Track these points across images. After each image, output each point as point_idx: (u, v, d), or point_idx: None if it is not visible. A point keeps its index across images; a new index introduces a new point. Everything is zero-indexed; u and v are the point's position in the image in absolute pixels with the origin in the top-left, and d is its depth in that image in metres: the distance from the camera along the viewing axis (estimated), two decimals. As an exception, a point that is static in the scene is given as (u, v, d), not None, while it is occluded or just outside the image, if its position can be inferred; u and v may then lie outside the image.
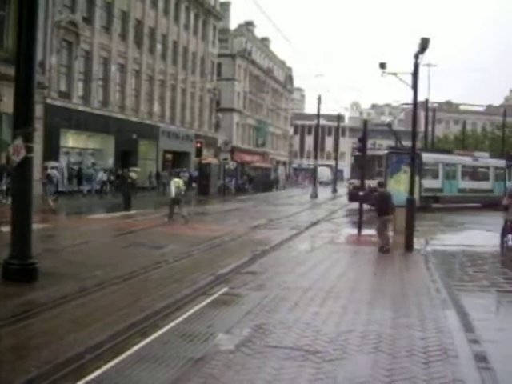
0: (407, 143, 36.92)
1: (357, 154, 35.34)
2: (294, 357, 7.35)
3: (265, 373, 6.80)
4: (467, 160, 43.08)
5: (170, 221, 23.61)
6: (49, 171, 29.87)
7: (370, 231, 20.04)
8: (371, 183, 28.75)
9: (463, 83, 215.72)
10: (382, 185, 18.89)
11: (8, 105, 13.77)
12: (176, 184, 24.80)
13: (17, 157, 11.29)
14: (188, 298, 10.48)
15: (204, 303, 10.09)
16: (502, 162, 45.57)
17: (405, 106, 46.63)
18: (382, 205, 17.64)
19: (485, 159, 44.71)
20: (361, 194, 22.88)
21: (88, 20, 39.80)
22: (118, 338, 7.95)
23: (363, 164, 23.67)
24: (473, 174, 43.03)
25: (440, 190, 38.96)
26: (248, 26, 75.69)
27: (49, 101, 34.90)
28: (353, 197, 34.36)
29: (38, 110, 28.43)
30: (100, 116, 40.91)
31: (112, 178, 39.82)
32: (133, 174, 34.25)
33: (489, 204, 38.56)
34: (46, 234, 18.75)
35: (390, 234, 18.36)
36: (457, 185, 40.90)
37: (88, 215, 26.09)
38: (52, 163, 32.70)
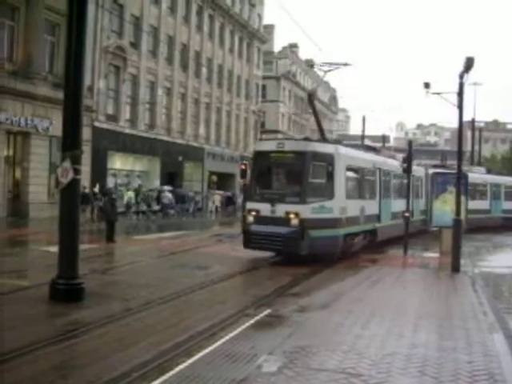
0: (453, 163, 35.07)
1: (258, 149, 20.48)
2: (336, 379, 7.28)
3: (307, 395, 6.75)
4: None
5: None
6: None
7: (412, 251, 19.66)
8: (281, 208, 18.05)
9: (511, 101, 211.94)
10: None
11: (57, 128, 14.17)
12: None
13: (65, 179, 11.54)
14: (231, 319, 10.50)
15: (247, 324, 10.09)
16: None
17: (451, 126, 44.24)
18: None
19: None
20: (407, 214, 22.51)
21: (135, 45, 40.64)
22: (162, 358, 8.01)
23: (409, 183, 23.31)
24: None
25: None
26: (292, 48, 76.13)
27: (97, 124, 35.64)
28: (254, 238, 18.52)
29: (86, 133, 29.12)
30: (146, 138, 41.55)
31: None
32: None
33: None
34: (93, 254, 19.03)
35: None
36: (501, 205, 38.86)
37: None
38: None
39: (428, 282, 16.37)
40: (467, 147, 60.06)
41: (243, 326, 9.91)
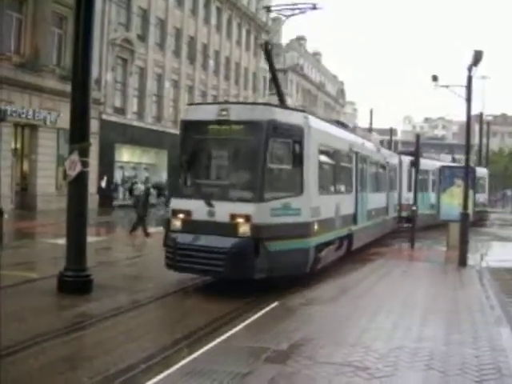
0: (461, 157, 34.28)
1: (189, 118, 13.34)
2: (343, 372, 7.28)
3: (313, 388, 6.76)
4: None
5: None
6: None
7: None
8: (223, 209, 11.94)
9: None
10: None
11: (65, 120, 14.17)
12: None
13: (73, 171, 11.55)
14: (238, 312, 10.52)
15: (254, 317, 10.07)
16: None
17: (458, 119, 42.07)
18: None
19: None
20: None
21: (142, 37, 40.62)
22: (168, 351, 8.05)
23: (417, 179, 23.31)
24: None
25: None
26: (300, 40, 75.96)
27: (104, 116, 35.68)
28: (182, 254, 12.19)
29: (94, 126, 29.12)
30: (154, 131, 41.58)
31: None
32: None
33: None
34: (100, 246, 19.08)
35: None
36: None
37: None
38: None
39: (435, 276, 16.33)
40: (475, 141, 59.87)
41: (250, 319, 9.91)
